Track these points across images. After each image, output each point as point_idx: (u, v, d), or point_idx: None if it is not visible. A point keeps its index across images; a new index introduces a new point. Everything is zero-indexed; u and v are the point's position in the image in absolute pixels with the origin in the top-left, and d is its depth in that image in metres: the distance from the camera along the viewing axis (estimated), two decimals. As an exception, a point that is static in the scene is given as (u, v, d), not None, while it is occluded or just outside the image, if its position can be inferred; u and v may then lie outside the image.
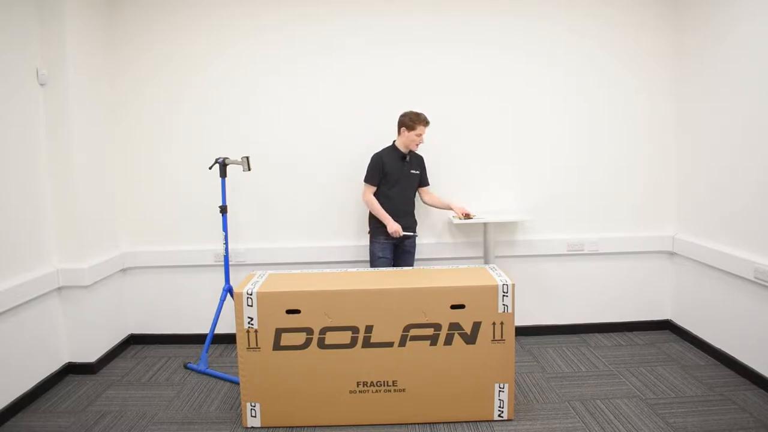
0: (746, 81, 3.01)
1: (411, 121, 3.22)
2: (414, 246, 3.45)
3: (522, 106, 3.65)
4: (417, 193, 3.49)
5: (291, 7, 3.55)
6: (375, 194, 3.33)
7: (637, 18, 3.60)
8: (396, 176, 3.29)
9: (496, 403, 2.64)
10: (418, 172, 3.40)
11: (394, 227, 3.22)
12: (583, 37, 3.60)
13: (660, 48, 3.62)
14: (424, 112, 3.25)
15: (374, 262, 3.35)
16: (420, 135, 3.24)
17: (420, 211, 3.63)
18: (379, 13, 3.56)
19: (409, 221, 3.37)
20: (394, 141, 3.35)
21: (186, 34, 3.56)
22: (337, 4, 3.55)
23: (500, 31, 3.59)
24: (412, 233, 3.35)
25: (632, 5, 3.59)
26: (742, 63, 3.03)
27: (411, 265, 3.46)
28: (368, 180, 3.31)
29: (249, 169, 3.27)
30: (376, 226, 3.34)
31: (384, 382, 2.62)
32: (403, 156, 3.32)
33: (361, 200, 3.40)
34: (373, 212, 3.31)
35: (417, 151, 3.41)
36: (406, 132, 3.24)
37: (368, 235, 3.42)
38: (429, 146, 3.61)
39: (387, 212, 3.27)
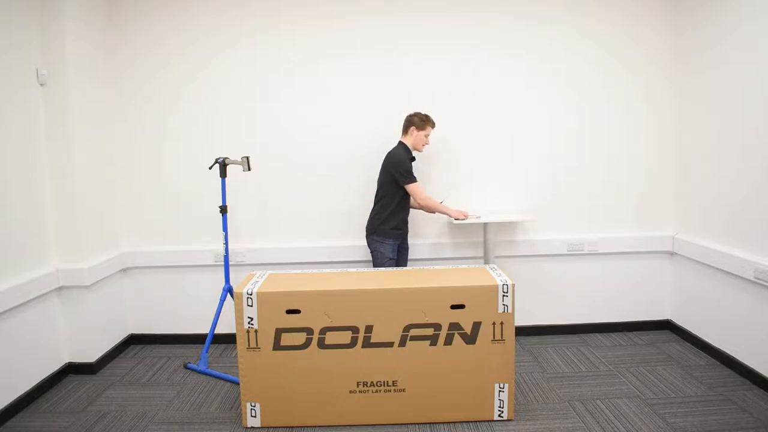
0: (746, 81, 3.01)
1: (421, 121, 3.24)
2: (407, 243, 3.51)
3: (522, 106, 3.65)
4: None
5: (291, 7, 3.55)
6: (390, 199, 3.23)
7: (638, 18, 3.59)
8: None
9: (496, 403, 2.64)
10: None
11: (457, 212, 3.28)
12: (583, 36, 3.60)
13: (660, 48, 3.62)
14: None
15: (384, 263, 3.27)
16: (428, 136, 3.27)
17: (420, 211, 3.63)
18: (380, 12, 3.56)
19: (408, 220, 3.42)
20: (400, 141, 3.31)
21: (186, 34, 3.56)
22: (338, 3, 3.55)
23: (500, 30, 3.59)
24: (477, 218, 3.38)
25: (633, 4, 3.59)
26: (743, 63, 3.03)
27: (406, 262, 3.49)
28: (412, 177, 3.17)
29: (249, 169, 3.27)
30: (389, 227, 3.26)
31: (384, 382, 2.62)
32: (412, 158, 3.33)
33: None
34: (434, 209, 3.33)
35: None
36: (415, 132, 3.25)
37: (372, 237, 3.32)
38: (429, 146, 3.62)
39: (401, 217, 3.29)
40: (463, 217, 3.27)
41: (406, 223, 3.38)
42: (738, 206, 3.11)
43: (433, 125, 3.28)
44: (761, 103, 2.90)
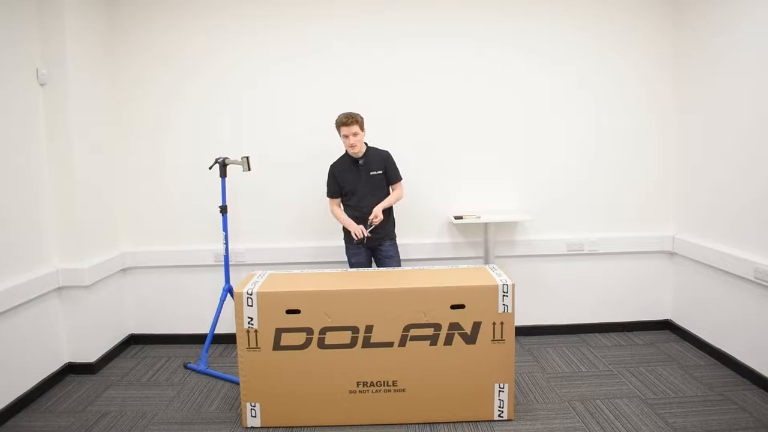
0: (746, 82, 3.00)
1: (335, 126, 3.11)
2: (394, 250, 3.28)
3: (522, 106, 3.64)
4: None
5: (291, 6, 3.55)
6: (342, 204, 3.24)
7: (638, 16, 3.58)
8: (352, 183, 3.16)
9: (496, 403, 2.64)
10: (380, 171, 3.17)
11: (354, 228, 3.08)
12: (583, 36, 3.59)
13: (661, 47, 3.62)
14: (366, 109, 3.15)
15: (350, 268, 3.27)
16: (346, 136, 3.05)
17: (419, 210, 3.64)
18: (381, 11, 3.55)
19: (379, 225, 3.13)
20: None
21: (185, 33, 3.56)
22: (339, 1, 3.54)
23: (500, 29, 3.59)
24: (371, 226, 3.08)
25: (633, 4, 3.58)
26: (742, 64, 3.03)
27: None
28: (328, 194, 3.26)
29: (249, 169, 3.27)
30: (345, 232, 3.26)
31: (384, 382, 2.62)
32: (355, 160, 3.16)
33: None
34: (339, 222, 3.24)
35: (381, 148, 3.25)
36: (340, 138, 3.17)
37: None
38: (428, 145, 3.63)
39: (354, 220, 3.14)
40: (359, 235, 3.07)
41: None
42: (738, 206, 3.10)
43: (343, 123, 3.04)
44: (762, 103, 2.89)
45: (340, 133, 3.11)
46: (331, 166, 3.25)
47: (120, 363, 3.48)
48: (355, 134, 3.06)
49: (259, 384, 2.62)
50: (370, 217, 3.07)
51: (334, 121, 3.13)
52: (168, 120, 3.62)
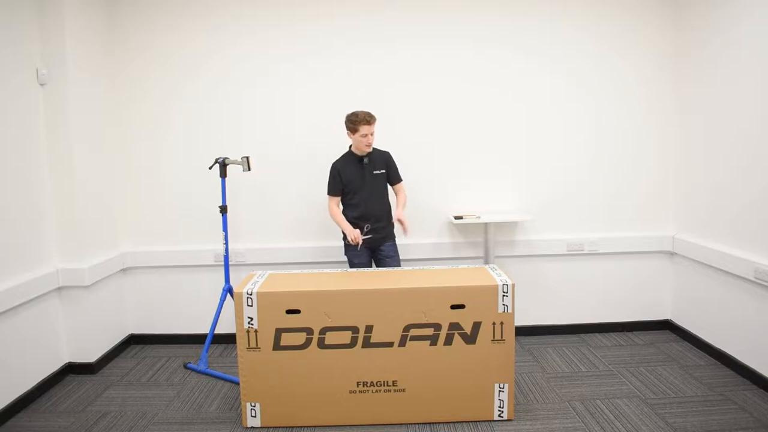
0: (746, 82, 3.00)
1: (352, 123, 3.03)
2: (394, 250, 3.28)
3: (522, 107, 3.64)
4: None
5: (291, 6, 3.55)
6: (342, 203, 3.21)
7: (639, 16, 3.58)
8: (357, 183, 3.14)
9: (496, 403, 2.64)
10: (383, 170, 3.19)
11: (351, 235, 3.06)
12: (583, 35, 3.59)
13: (660, 48, 3.62)
14: (366, 109, 3.06)
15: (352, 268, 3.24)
16: (365, 135, 3.03)
17: (420, 211, 3.64)
18: (381, 10, 3.55)
19: (381, 224, 3.19)
20: (350, 145, 3.20)
21: (185, 33, 3.56)
22: (339, 1, 3.54)
23: (500, 29, 3.58)
24: (368, 236, 3.12)
25: (634, 4, 3.58)
26: (742, 64, 3.02)
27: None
28: (329, 192, 3.20)
29: (249, 169, 3.27)
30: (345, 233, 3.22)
31: (384, 382, 2.62)
32: (360, 159, 3.16)
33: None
34: (335, 223, 3.21)
35: (381, 148, 3.25)
36: (351, 135, 3.09)
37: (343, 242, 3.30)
38: (428, 145, 3.63)
39: (355, 220, 3.15)
40: (355, 241, 3.05)
41: (356, 226, 3.14)
42: (738, 206, 3.10)
43: (366, 122, 3.00)
44: (761, 103, 2.89)
45: (358, 131, 3.03)
46: (335, 164, 3.21)
47: (120, 363, 3.48)
48: (372, 133, 3.07)
49: (259, 384, 2.62)
50: (404, 227, 3.13)
51: (351, 119, 3.05)
52: (168, 120, 3.62)
